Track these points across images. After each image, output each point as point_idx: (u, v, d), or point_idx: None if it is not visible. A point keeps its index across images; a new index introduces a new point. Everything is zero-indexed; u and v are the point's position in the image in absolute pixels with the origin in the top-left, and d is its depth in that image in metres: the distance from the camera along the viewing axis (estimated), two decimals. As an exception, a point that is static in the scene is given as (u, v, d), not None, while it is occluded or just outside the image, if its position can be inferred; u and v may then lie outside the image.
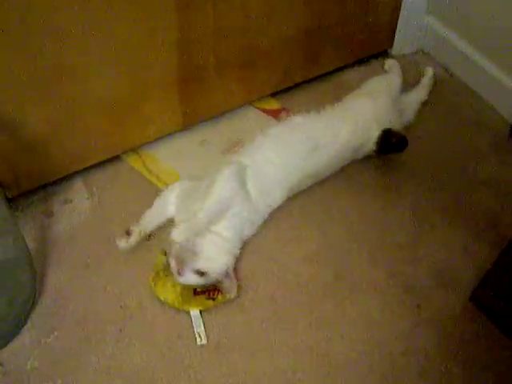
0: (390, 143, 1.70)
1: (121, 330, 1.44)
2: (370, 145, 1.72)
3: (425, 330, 1.45)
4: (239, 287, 1.49)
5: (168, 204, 1.61)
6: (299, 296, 1.51)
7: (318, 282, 1.54)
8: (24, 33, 1.35)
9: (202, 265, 1.43)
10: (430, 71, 2.03)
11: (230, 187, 1.50)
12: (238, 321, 1.47)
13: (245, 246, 1.57)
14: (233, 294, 1.45)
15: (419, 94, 1.96)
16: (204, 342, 1.42)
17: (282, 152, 1.61)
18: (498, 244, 1.53)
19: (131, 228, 1.54)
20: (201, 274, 1.43)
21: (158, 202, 1.62)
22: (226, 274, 1.45)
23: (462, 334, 1.45)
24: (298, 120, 1.69)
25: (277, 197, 1.62)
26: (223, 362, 1.40)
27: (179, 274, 1.43)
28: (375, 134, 1.71)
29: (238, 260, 1.54)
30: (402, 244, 1.61)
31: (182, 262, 1.43)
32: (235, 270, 1.51)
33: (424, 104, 1.97)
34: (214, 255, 1.46)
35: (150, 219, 1.59)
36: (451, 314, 1.48)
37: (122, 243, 1.53)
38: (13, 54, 1.37)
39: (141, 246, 1.57)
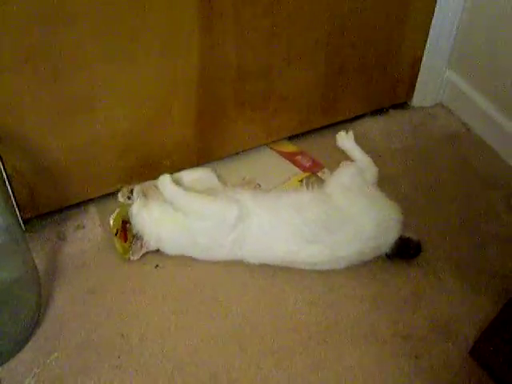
0: (408, 253, 1.68)
1: (119, 357, 1.46)
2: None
3: (421, 382, 1.43)
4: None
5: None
6: (298, 337, 1.51)
7: (317, 325, 1.54)
8: (52, 65, 1.42)
9: (135, 210, 1.60)
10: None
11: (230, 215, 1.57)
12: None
13: (248, 280, 1.60)
14: (133, 257, 1.61)
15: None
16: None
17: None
18: (502, 300, 1.51)
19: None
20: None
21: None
22: (141, 239, 1.60)
23: (459, 387, 1.43)
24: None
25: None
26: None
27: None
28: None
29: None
30: (405, 294, 1.61)
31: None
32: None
33: (439, 156, 1.99)
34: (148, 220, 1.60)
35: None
36: (449, 366, 1.45)
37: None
38: (40, 83, 1.44)
39: (149, 276, 1.61)
